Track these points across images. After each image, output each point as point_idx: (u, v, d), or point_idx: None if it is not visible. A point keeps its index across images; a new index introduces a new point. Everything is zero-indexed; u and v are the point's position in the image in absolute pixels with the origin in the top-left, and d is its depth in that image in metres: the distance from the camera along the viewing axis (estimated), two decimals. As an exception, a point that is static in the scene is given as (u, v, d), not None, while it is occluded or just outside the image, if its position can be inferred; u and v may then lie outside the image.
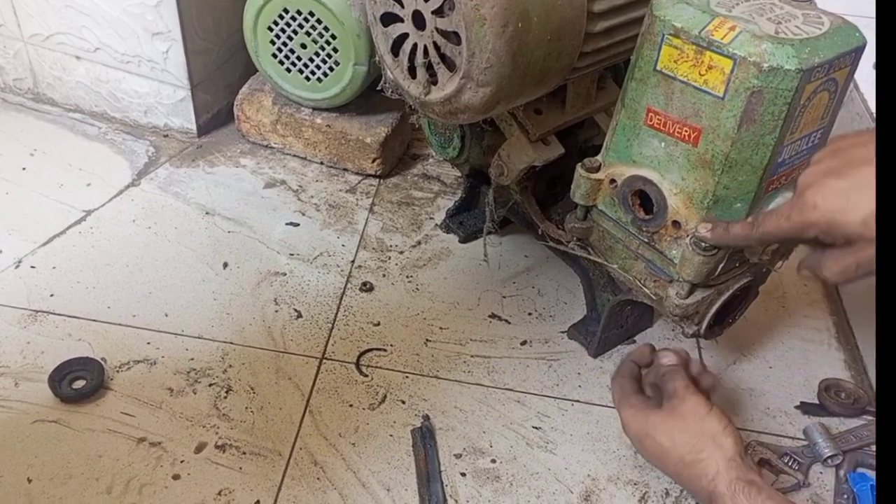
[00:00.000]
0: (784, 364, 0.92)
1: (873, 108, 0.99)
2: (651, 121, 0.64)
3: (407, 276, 0.98)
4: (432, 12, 0.64)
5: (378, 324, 0.91)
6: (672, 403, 0.67)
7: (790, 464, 0.78)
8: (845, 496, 0.76)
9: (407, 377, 0.84)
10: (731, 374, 0.90)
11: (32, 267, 0.93)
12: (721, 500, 0.60)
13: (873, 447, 0.81)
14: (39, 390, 0.77)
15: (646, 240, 0.70)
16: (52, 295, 0.89)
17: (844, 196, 0.52)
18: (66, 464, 0.72)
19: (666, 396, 0.68)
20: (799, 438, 0.82)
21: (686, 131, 0.61)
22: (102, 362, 0.81)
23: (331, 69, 1.06)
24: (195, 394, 0.80)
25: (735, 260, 0.68)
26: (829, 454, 0.78)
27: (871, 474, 0.78)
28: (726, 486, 0.60)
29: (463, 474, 0.75)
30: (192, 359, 0.83)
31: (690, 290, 0.68)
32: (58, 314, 0.87)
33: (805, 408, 0.86)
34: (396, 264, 0.99)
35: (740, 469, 0.61)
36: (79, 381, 0.78)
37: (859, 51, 0.59)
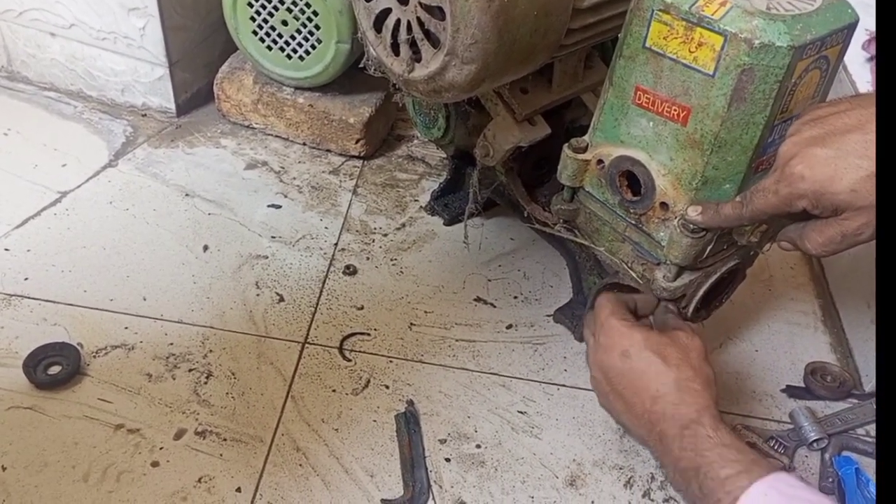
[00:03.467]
0: (770, 347, 0.91)
1: (862, 90, 0.98)
2: (639, 100, 0.63)
3: (391, 259, 0.96)
4: (416, -14, 0.62)
5: (362, 308, 0.89)
6: (677, 334, 0.64)
7: (776, 447, 0.78)
8: (830, 479, 0.76)
9: (391, 362, 0.83)
10: (718, 358, 0.89)
11: (6, 250, 0.90)
12: (701, 429, 0.58)
13: (859, 430, 0.81)
14: (14, 376, 0.76)
15: (633, 222, 0.69)
16: (26, 278, 0.87)
17: (832, 164, 0.51)
18: (42, 451, 0.70)
19: (666, 328, 0.66)
20: (785, 422, 0.82)
21: (675, 110, 0.60)
22: (79, 347, 0.79)
23: (312, 47, 1.03)
24: (174, 379, 0.78)
25: (723, 242, 0.67)
26: (815, 437, 0.78)
27: (856, 458, 0.78)
28: (710, 419, 0.58)
29: (448, 460, 0.74)
30: (172, 344, 0.82)
31: (678, 272, 0.67)
32: (32, 298, 0.84)
33: (791, 391, 0.86)
34: (380, 247, 0.98)
35: (717, 406, 0.60)
36: (54, 367, 0.77)
37: (851, 28, 0.58)
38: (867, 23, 0.90)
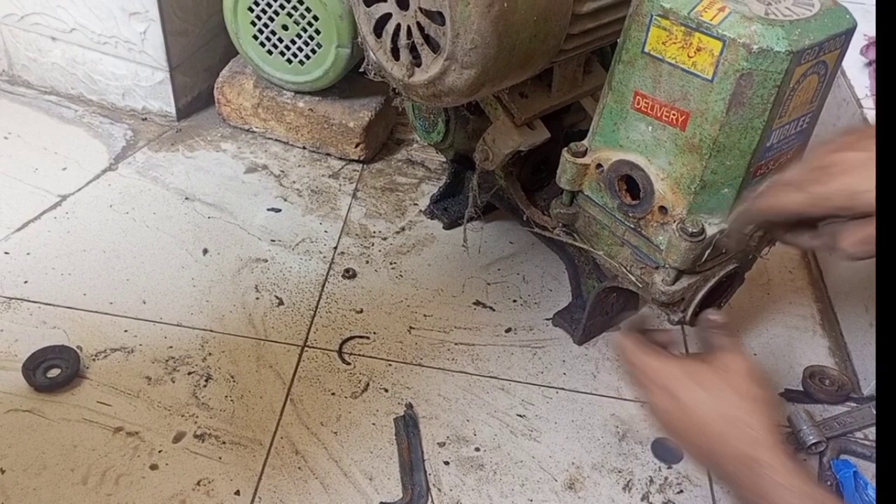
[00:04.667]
0: (768, 351, 0.91)
1: (860, 95, 0.99)
2: (638, 104, 0.63)
3: (390, 263, 0.96)
4: (416, -9, 0.63)
5: (361, 311, 0.89)
6: (716, 356, 0.58)
7: (774, 451, 0.78)
8: (829, 483, 0.76)
9: (390, 365, 0.83)
10: (717, 362, 0.89)
11: (6, 253, 0.90)
12: (761, 468, 0.52)
13: (857, 434, 0.81)
14: (13, 379, 0.76)
15: (632, 226, 0.69)
16: (26, 282, 0.87)
17: (866, 167, 0.50)
18: (41, 454, 0.70)
19: (709, 348, 0.61)
20: (783, 425, 0.82)
21: (674, 115, 0.60)
22: (78, 350, 0.79)
23: (313, 51, 1.03)
24: (174, 382, 0.78)
25: (722, 246, 0.67)
26: (814, 441, 0.78)
27: (855, 461, 0.78)
28: (770, 455, 0.52)
29: (446, 463, 0.74)
30: (171, 347, 0.82)
31: (677, 276, 0.67)
32: (32, 301, 0.84)
33: (789, 395, 0.86)
34: (380, 251, 0.98)
35: (781, 442, 0.54)
36: (54, 370, 0.77)
37: (849, 33, 0.58)
38: (865, 28, 0.91)
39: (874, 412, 0.82)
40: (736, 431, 0.54)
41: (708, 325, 0.62)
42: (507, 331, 0.89)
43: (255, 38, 1.05)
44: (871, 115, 0.95)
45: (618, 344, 0.63)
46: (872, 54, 1.01)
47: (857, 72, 1.02)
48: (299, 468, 0.72)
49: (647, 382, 0.59)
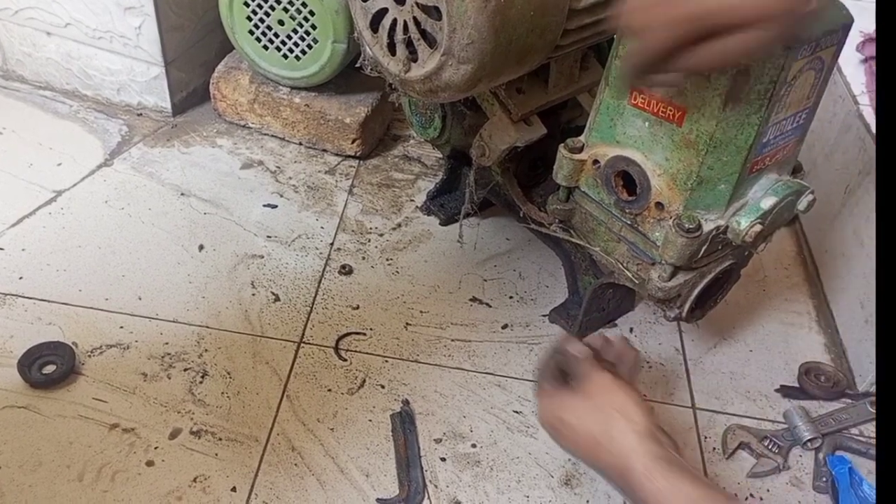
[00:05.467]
0: (764, 347, 0.92)
1: (856, 91, 0.99)
2: (635, 100, 0.63)
3: (387, 259, 0.96)
4: (412, -14, 0.62)
5: (357, 307, 0.89)
6: (580, 384, 0.63)
7: (770, 447, 0.78)
8: (824, 479, 0.76)
9: (386, 361, 0.83)
10: (712, 358, 0.89)
11: (1, 249, 0.90)
12: (635, 476, 0.55)
13: (852, 430, 0.81)
14: (8, 375, 0.75)
15: (629, 222, 0.69)
16: (21, 277, 0.86)
17: None
18: (37, 451, 0.70)
19: (574, 381, 0.65)
20: (779, 422, 0.82)
21: (670, 111, 0.60)
22: (73, 347, 0.79)
23: (309, 46, 1.03)
24: (170, 379, 0.78)
25: (717, 243, 0.67)
26: (809, 437, 0.78)
27: (850, 457, 0.78)
28: (641, 462, 0.55)
29: (443, 459, 0.74)
30: (167, 343, 0.82)
31: (673, 272, 0.67)
32: (27, 297, 0.84)
33: (785, 391, 0.86)
34: (376, 247, 0.98)
35: (654, 444, 0.56)
36: (49, 366, 0.76)
37: (846, 29, 0.58)
38: (862, 24, 0.91)
39: (870, 409, 0.82)
40: (606, 447, 0.58)
41: (569, 357, 0.66)
42: (504, 327, 0.89)
43: (251, 33, 1.05)
44: (867, 111, 0.95)
45: (537, 375, 0.69)
46: (868, 51, 1.01)
47: (854, 68, 1.02)
48: (296, 464, 0.72)
49: (540, 420, 0.65)
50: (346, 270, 0.94)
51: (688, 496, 0.52)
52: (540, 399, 0.65)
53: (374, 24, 0.69)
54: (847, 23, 0.58)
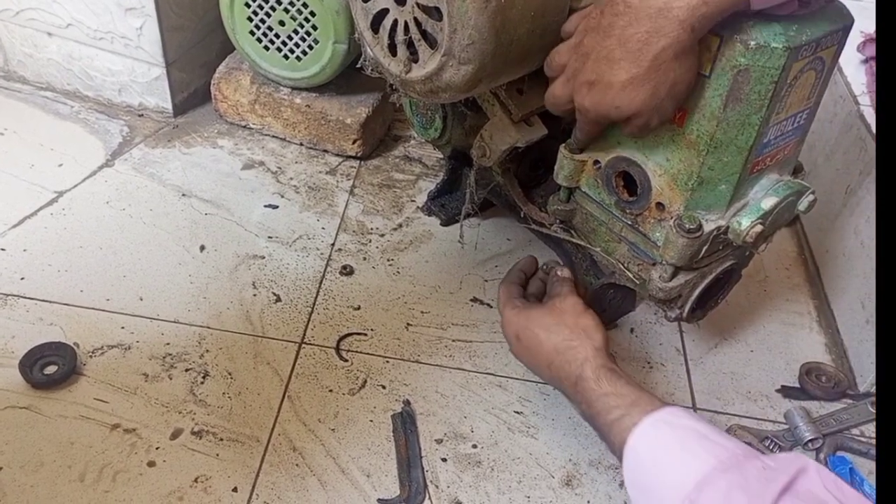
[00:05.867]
0: (765, 348, 0.92)
1: (857, 91, 0.99)
2: (636, 101, 0.63)
3: (388, 260, 0.96)
4: (413, -13, 0.62)
5: (358, 308, 0.89)
6: (553, 301, 0.72)
7: (771, 447, 0.78)
8: (825, 479, 0.76)
9: (387, 362, 0.83)
10: (713, 358, 0.90)
11: (3, 249, 0.90)
12: (586, 383, 0.64)
13: (853, 430, 0.81)
14: (10, 376, 0.75)
15: (629, 222, 0.69)
16: (22, 278, 0.87)
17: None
18: (38, 451, 0.70)
19: (549, 297, 0.74)
20: (780, 422, 0.82)
21: (671, 111, 0.60)
22: (75, 347, 0.79)
23: (310, 47, 1.03)
24: (171, 379, 0.78)
25: (718, 243, 0.67)
26: (810, 437, 0.78)
27: (851, 457, 0.78)
28: (592, 370, 0.64)
29: (444, 460, 0.74)
30: (168, 343, 0.82)
31: (674, 272, 0.68)
32: (29, 298, 0.84)
33: (786, 391, 0.86)
34: (377, 247, 0.98)
35: (605, 358, 0.66)
36: (51, 367, 0.76)
37: (847, 29, 0.58)
38: (863, 25, 0.91)
39: (870, 409, 0.82)
40: (566, 358, 0.67)
41: (554, 278, 0.76)
42: (505, 327, 0.89)
43: (252, 33, 1.05)
44: (867, 111, 0.95)
45: (498, 296, 0.77)
46: (869, 51, 1.01)
47: (854, 68, 1.02)
48: (297, 465, 0.72)
49: (505, 332, 0.74)
50: (347, 271, 0.94)
51: (627, 397, 0.61)
52: (507, 311, 0.73)
53: (375, 24, 0.69)
54: (847, 24, 0.58)
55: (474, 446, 0.76)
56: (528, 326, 0.71)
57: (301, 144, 1.14)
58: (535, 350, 0.70)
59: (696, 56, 0.55)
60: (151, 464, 0.70)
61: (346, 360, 0.83)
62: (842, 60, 0.85)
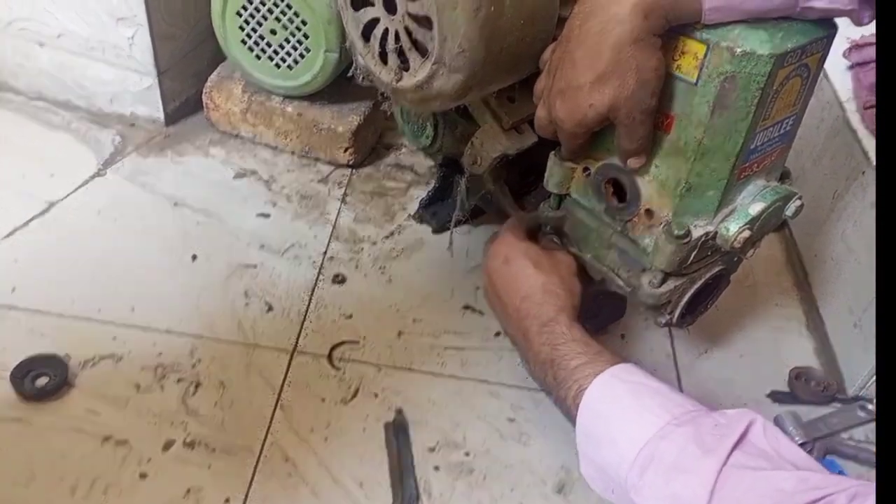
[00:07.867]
0: (755, 353, 0.92)
1: (843, 98, 1.00)
2: (624, 108, 0.63)
3: (380, 268, 0.97)
4: (403, -3, 0.63)
5: (350, 316, 0.89)
6: (553, 252, 0.74)
7: (763, 451, 0.78)
8: (816, 482, 0.76)
9: (380, 370, 0.83)
10: (703, 363, 0.90)
11: (-8, 260, 0.90)
12: (558, 326, 0.66)
13: (843, 434, 0.82)
14: (1, 388, 0.75)
15: (619, 229, 0.69)
16: (13, 289, 0.86)
17: None
18: (29, 464, 0.70)
19: (546, 247, 0.75)
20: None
21: (659, 118, 0.61)
22: (66, 359, 0.78)
23: (301, 56, 1.04)
24: (163, 390, 0.78)
25: (707, 249, 0.67)
26: (800, 442, 0.79)
27: (841, 461, 0.79)
28: (567, 318, 0.66)
29: (436, 468, 0.74)
30: (160, 354, 0.81)
31: (663, 278, 0.68)
32: (20, 309, 0.84)
33: (776, 396, 0.86)
34: (369, 256, 0.98)
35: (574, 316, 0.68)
36: (42, 379, 0.76)
37: (831, 36, 0.59)
38: (847, 31, 0.92)
39: (860, 413, 0.83)
40: (546, 299, 0.68)
41: (549, 239, 0.77)
42: (497, 335, 0.89)
43: (244, 42, 1.05)
44: (854, 117, 0.96)
45: (507, 223, 0.78)
46: (855, 57, 1.02)
47: (841, 74, 1.03)
48: (290, 475, 0.72)
49: (494, 248, 0.74)
50: (339, 279, 0.94)
51: (593, 346, 0.64)
52: (508, 232, 0.74)
53: (366, 33, 0.70)
54: (832, 31, 0.59)
55: (467, 454, 0.76)
56: (524, 254, 0.71)
57: (293, 153, 1.14)
58: (517, 278, 0.70)
59: (656, 46, 0.56)
60: (143, 476, 0.70)
61: (339, 369, 0.83)
62: (828, 66, 0.86)
